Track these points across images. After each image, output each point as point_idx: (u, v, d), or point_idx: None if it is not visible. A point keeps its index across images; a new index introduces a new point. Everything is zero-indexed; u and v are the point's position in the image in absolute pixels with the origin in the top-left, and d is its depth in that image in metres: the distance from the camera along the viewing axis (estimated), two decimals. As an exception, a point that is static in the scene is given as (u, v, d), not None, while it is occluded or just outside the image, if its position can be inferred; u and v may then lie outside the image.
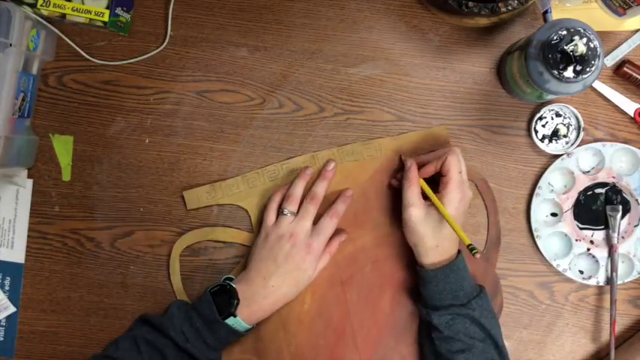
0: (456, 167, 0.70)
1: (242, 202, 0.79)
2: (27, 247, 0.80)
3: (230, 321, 0.70)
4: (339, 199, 0.77)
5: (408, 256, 0.77)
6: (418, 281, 0.73)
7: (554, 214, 0.80)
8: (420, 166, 0.73)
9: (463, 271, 0.71)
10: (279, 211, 0.75)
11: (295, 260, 0.72)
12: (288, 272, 0.72)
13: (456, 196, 0.70)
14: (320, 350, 0.77)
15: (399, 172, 0.78)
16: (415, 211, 0.70)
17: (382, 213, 0.79)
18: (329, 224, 0.74)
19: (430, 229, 0.70)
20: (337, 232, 0.77)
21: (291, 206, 0.75)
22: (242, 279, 0.73)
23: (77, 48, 0.78)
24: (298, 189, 0.76)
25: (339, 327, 0.78)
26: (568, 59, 0.66)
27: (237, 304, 0.70)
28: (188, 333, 0.69)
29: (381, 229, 0.79)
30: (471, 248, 0.65)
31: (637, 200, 0.79)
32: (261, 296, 0.71)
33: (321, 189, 0.76)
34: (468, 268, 0.72)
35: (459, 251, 0.72)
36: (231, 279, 0.74)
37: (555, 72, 0.65)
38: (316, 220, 0.75)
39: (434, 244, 0.70)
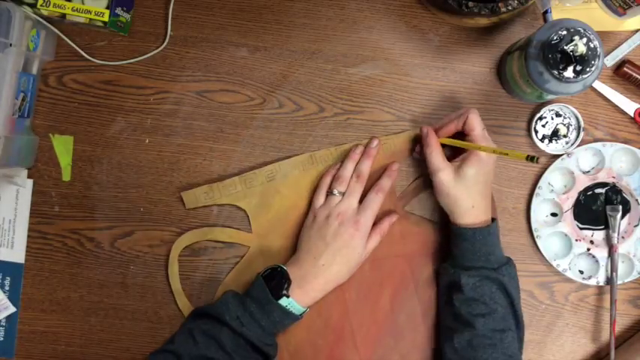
0: (480, 124, 0.71)
1: (240, 202, 0.79)
2: (27, 247, 0.80)
3: (283, 302, 0.70)
4: (384, 174, 0.77)
5: (407, 254, 0.77)
6: (451, 240, 0.73)
7: (554, 214, 0.80)
8: (436, 132, 0.74)
9: (497, 238, 0.72)
10: (328, 192, 0.76)
11: (344, 238, 0.72)
12: (338, 250, 0.72)
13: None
14: (319, 350, 0.77)
15: (417, 144, 0.78)
16: (444, 174, 0.71)
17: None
18: (374, 199, 0.74)
19: (463, 189, 0.70)
20: (388, 212, 0.77)
21: (340, 186, 0.75)
22: (293, 261, 0.73)
23: (77, 48, 0.78)
24: (348, 170, 0.76)
25: (338, 326, 0.78)
26: (568, 59, 0.66)
27: (289, 285, 0.70)
28: (243, 318, 0.69)
29: None
30: (531, 157, 0.63)
31: (637, 200, 0.79)
32: (312, 276, 0.72)
33: (365, 167, 0.76)
34: (499, 236, 0.72)
35: (493, 219, 0.72)
36: (279, 266, 0.73)
37: (555, 72, 0.65)
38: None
39: (469, 205, 0.70)
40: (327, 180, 0.77)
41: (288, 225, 0.79)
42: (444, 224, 0.78)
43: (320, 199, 0.76)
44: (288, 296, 0.70)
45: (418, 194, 0.79)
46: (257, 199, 0.79)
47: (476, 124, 0.71)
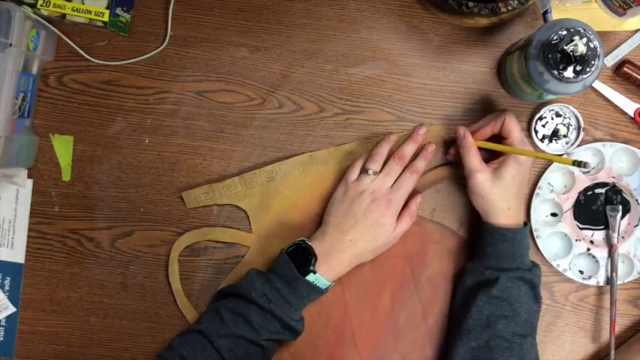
0: (518, 127, 0.71)
1: (240, 202, 0.79)
2: (27, 247, 0.80)
3: (311, 278, 0.69)
4: (420, 155, 0.76)
5: (408, 254, 0.77)
6: (485, 239, 0.72)
7: (554, 214, 0.80)
8: (472, 134, 0.74)
9: (528, 241, 0.72)
10: (363, 170, 0.75)
11: (374, 215, 0.72)
12: (368, 227, 0.72)
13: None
14: (319, 350, 0.77)
15: (450, 145, 0.78)
16: (481, 176, 0.71)
17: None
18: (409, 179, 0.74)
19: (501, 191, 0.70)
20: (412, 193, 0.76)
21: (375, 165, 0.74)
22: (318, 235, 0.73)
23: (77, 48, 0.78)
24: (384, 150, 0.76)
25: (338, 327, 0.78)
26: (568, 59, 0.66)
27: (316, 260, 0.70)
28: (270, 294, 0.69)
29: None
30: (578, 162, 0.63)
31: (637, 200, 0.79)
32: (338, 250, 0.71)
33: (409, 150, 0.76)
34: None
35: (524, 223, 0.73)
36: (303, 241, 0.73)
37: (555, 72, 0.65)
38: None
39: (505, 207, 0.71)
40: (362, 158, 0.76)
41: (288, 225, 0.79)
42: (449, 225, 0.78)
43: (354, 174, 0.75)
44: (315, 272, 0.69)
45: (421, 191, 0.79)
46: (257, 200, 0.79)
47: (514, 128, 0.71)
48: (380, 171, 0.74)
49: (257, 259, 0.79)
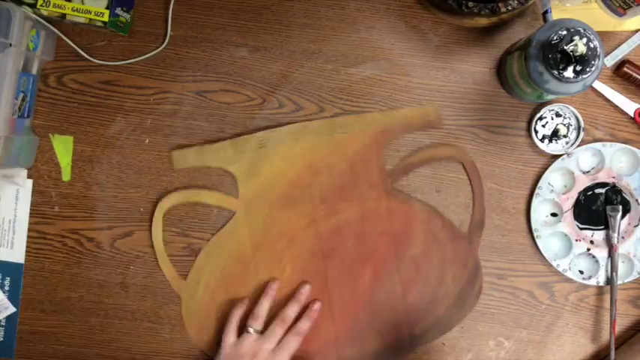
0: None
1: (229, 166, 0.78)
2: (27, 247, 0.80)
3: None
4: (304, 316, 0.76)
5: (393, 232, 0.77)
6: None
7: (554, 214, 0.80)
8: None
9: None
10: (244, 329, 0.74)
11: None
12: None
13: None
14: (297, 317, 0.77)
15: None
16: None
17: (369, 187, 0.79)
18: (293, 341, 0.74)
19: None
20: (312, 302, 0.77)
21: (257, 324, 0.74)
22: None
23: (77, 48, 0.78)
24: (264, 308, 0.75)
25: (316, 295, 0.78)
26: (568, 59, 0.66)
27: None
28: None
29: (368, 204, 0.79)
30: None
31: (637, 200, 0.79)
32: None
33: (293, 312, 0.75)
34: None
35: None
36: None
37: (555, 72, 0.65)
38: None
39: None
40: (237, 315, 0.75)
41: (275, 192, 0.79)
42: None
43: (231, 335, 0.74)
44: None
45: (408, 173, 0.79)
46: (246, 165, 0.78)
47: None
48: (262, 331, 0.74)
49: (242, 225, 0.79)
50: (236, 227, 0.79)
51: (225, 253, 0.79)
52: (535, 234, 0.79)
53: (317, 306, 0.77)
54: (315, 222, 0.79)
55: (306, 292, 0.77)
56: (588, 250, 0.79)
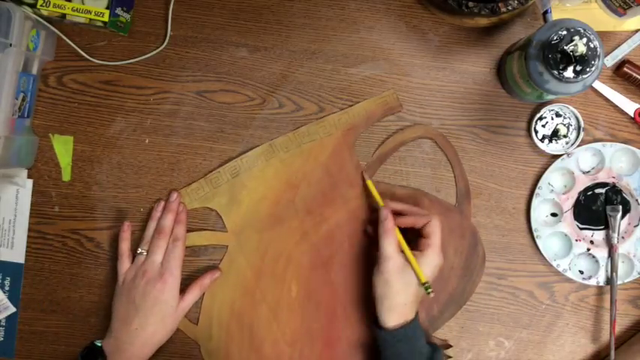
0: (439, 233, 0.70)
1: (210, 203, 0.79)
2: (27, 247, 0.80)
3: None
4: (176, 223, 0.76)
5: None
6: (383, 345, 0.69)
7: (554, 214, 0.80)
8: (395, 214, 0.72)
9: (421, 328, 0.70)
10: (135, 254, 0.75)
11: (153, 294, 0.71)
12: (149, 309, 0.71)
13: (435, 260, 0.70)
14: (315, 334, 0.78)
15: (371, 221, 0.78)
16: (393, 264, 0.68)
17: (349, 186, 0.79)
18: (175, 248, 0.74)
19: (404, 285, 0.68)
20: (212, 270, 0.78)
21: (144, 245, 0.75)
22: (108, 333, 0.72)
23: (77, 48, 0.78)
24: (151, 228, 0.76)
25: (329, 308, 0.78)
26: (568, 59, 0.66)
27: None
28: None
29: (351, 203, 0.79)
30: (427, 287, 0.68)
31: (637, 200, 0.79)
32: (127, 343, 0.71)
33: (168, 221, 0.76)
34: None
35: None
36: (94, 343, 0.72)
37: (555, 72, 0.65)
38: None
39: (403, 302, 0.68)
40: (124, 244, 0.76)
41: (260, 216, 0.79)
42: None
43: (125, 264, 0.75)
44: None
45: (383, 161, 0.80)
46: (226, 197, 0.79)
47: (436, 232, 0.70)
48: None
49: (237, 257, 0.79)
50: (232, 260, 0.79)
51: (229, 288, 0.79)
52: (535, 234, 0.79)
53: (184, 212, 0.77)
54: (307, 234, 0.79)
55: (174, 199, 0.77)
56: (588, 250, 0.79)
